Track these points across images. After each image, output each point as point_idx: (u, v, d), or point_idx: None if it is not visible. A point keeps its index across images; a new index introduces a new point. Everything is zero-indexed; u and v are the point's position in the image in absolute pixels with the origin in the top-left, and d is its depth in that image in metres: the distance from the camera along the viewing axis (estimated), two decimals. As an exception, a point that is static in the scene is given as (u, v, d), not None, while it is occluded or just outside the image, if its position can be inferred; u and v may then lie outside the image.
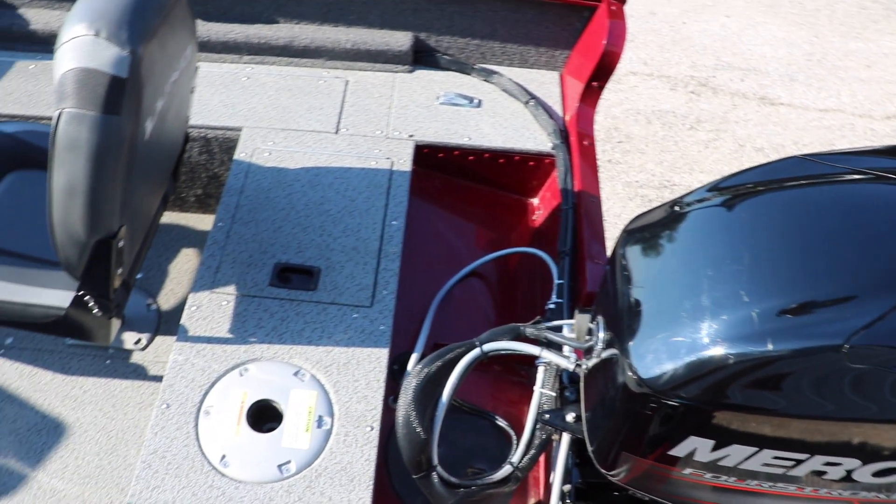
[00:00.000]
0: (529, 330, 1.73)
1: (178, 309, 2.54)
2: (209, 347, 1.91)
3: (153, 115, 1.66)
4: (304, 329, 1.94)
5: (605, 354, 1.41)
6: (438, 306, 2.22)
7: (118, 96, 1.46)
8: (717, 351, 1.20)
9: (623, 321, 1.34)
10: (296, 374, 1.87)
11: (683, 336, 1.25)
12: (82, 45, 1.44)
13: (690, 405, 1.22)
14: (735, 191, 1.50)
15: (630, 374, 1.26)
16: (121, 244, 1.70)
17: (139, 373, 2.39)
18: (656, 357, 1.26)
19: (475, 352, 1.71)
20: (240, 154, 2.32)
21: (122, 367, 2.41)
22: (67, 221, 1.59)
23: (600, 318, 1.46)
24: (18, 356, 2.45)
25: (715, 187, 1.53)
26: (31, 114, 2.49)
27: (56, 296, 1.88)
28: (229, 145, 2.44)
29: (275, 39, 2.57)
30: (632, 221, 1.51)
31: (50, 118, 2.44)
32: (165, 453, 1.75)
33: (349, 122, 2.43)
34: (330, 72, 2.60)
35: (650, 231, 1.46)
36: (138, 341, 2.45)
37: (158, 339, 2.48)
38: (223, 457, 1.75)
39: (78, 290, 1.81)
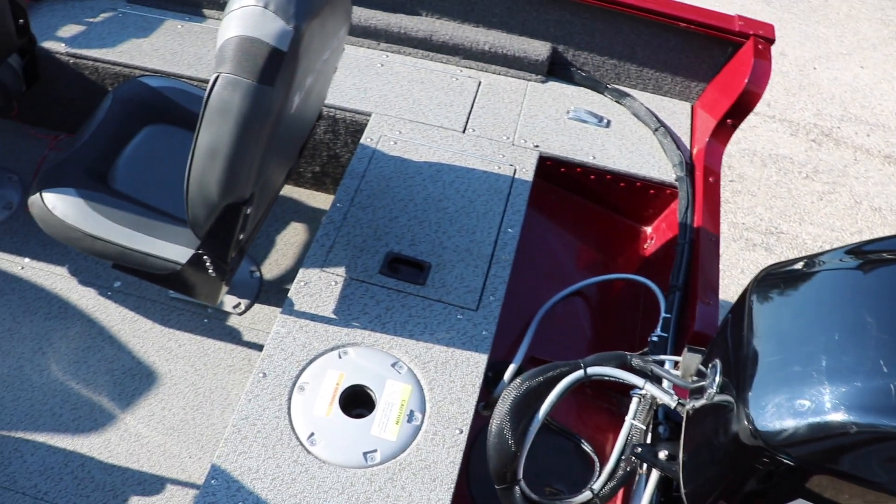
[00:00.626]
0: (636, 360, 1.70)
1: (280, 279, 2.58)
2: (312, 325, 1.93)
3: (302, 90, 1.69)
4: (407, 322, 1.94)
5: (717, 399, 1.38)
6: (540, 320, 2.20)
7: (275, 68, 1.48)
8: (844, 417, 1.16)
9: (745, 370, 1.31)
10: (393, 365, 1.87)
11: (809, 396, 1.21)
12: (250, 15, 1.47)
13: (801, 465, 1.19)
14: (876, 256, 1.45)
15: (746, 424, 1.22)
16: (248, 211, 1.73)
17: (233, 336, 2.44)
18: (777, 412, 1.22)
19: (578, 373, 1.70)
20: (366, 139, 2.34)
21: (218, 328, 2.46)
22: (204, 181, 1.63)
23: (717, 362, 1.43)
24: (123, 301, 2.52)
25: (855, 250, 1.48)
26: (173, 71, 2.55)
27: (175, 251, 1.93)
28: (356, 128, 2.47)
29: (414, 31, 2.58)
30: (765, 270, 1.47)
31: (190, 77, 2.51)
32: (256, 421, 1.78)
33: (477, 124, 2.43)
34: (464, 70, 2.60)
35: (784, 284, 1.42)
36: (237, 305, 2.50)
37: (256, 306, 2.52)
38: (311, 434, 1.76)
39: (198, 249, 1.86)
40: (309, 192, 2.83)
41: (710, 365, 1.46)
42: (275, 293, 2.54)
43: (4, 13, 2.33)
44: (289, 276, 2.59)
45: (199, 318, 2.48)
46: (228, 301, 2.50)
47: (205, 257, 1.85)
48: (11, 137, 3.04)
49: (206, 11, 2.78)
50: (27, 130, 3.04)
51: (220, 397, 2.32)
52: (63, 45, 2.67)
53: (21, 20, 2.41)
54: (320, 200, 2.81)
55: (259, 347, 2.41)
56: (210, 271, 1.88)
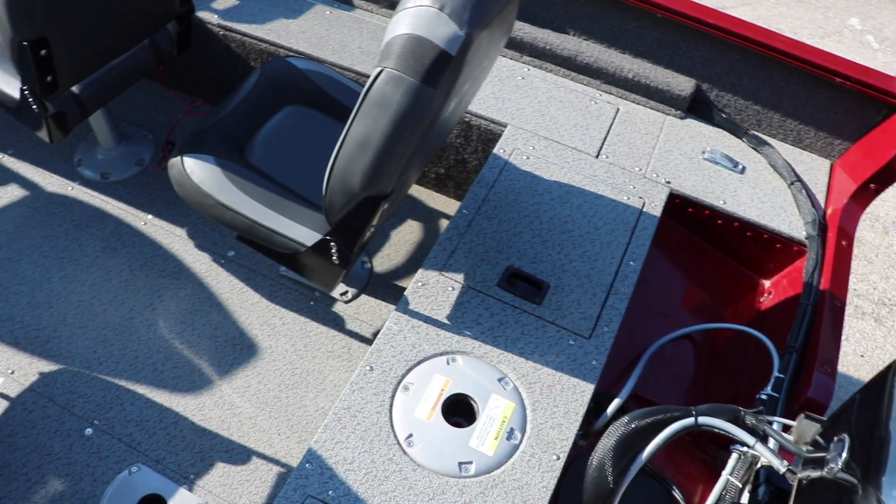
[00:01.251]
0: (749, 418, 1.66)
1: (389, 274, 2.60)
2: (424, 326, 1.93)
3: (458, 95, 1.69)
4: (519, 339, 1.93)
5: (839, 476, 1.33)
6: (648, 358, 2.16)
7: (440, 71, 1.49)
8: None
9: (881, 453, 1.25)
10: (500, 380, 1.86)
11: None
12: (424, 15, 1.47)
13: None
14: None
15: None
16: (385, 206, 1.74)
17: (337, 323, 2.46)
18: (912, 502, 1.17)
19: (689, 421, 1.66)
20: (499, 149, 2.33)
21: (322, 312, 2.49)
22: (349, 170, 1.64)
23: (845, 438, 1.38)
24: (235, 270, 2.57)
25: None
26: (317, 55, 2.59)
27: (302, 232, 1.95)
28: (488, 137, 2.47)
29: (560, 49, 2.57)
30: None
31: (332, 63, 2.54)
32: (357, 413, 1.78)
33: (611, 151, 2.40)
34: (603, 95, 2.58)
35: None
36: (345, 293, 2.52)
37: (363, 297, 2.54)
38: (410, 436, 1.76)
39: (326, 235, 1.88)
40: (429, 192, 2.84)
41: (835, 438, 1.41)
42: (382, 287, 2.56)
43: None
44: (398, 272, 2.60)
45: (306, 300, 2.51)
46: (337, 288, 2.53)
47: (332, 244, 1.87)
48: (152, 98, 3.13)
49: (356, 1, 2.82)
50: (167, 92, 3.14)
51: (315, 381, 2.34)
52: (216, 16, 2.74)
53: None
54: (439, 202, 2.82)
55: (360, 337, 2.43)
56: (334, 258, 1.90)
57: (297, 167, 2.13)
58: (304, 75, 2.30)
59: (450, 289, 2.01)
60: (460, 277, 2.03)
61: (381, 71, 1.52)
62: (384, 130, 1.55)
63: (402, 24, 1.50)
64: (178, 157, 2.07)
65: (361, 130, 1.58)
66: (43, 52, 2.05)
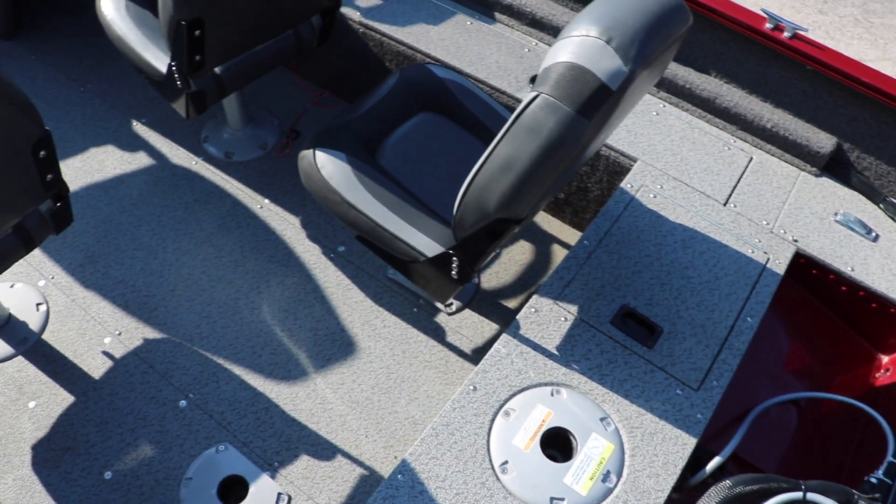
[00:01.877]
0: (863, 503, 1.58)
1: (495, 292, 2.57)
2: (532, 354, 1.90)
3: (607, 128, 1.67)
4: (626, 381, 1.89)
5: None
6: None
7: (598, 104, 1.46)
8: None
9: None
10: (602, 419, 1.82)
11: None
12: (590, 46, 1.45)
13: None
14: None
15: None
16: (516, 230, 1.72)
17: (438, 333, 2.45)
18: None
19: (796, 495, 1.59)
20: (626, 184, 2.29)
21: (424, 320, 2.48)
22: (488, 190, 1.63)
23: None
24: (343, 266, 2.58)
25: None
26: (453, 64, 2.59)
27: (424, 242, 1.95)
28: (616, 169, 2.43)
29: (699, 89, 2.52)
30: None
31: (467, 75, 2.54)
32: (455, 431, 1.77)
33: (740, 200, 2.34)
34: (738, 141, 2.52)
35: None
36: (449, 305, 2.51)
37: (466, 311, 2.52)
38: (505, 462, 1.74)
39: (449, 249, 1.87)
40: (545, 214, 2.82)
41: None
42: (487, 303, 2.54)
43: None
44: (505, 291, 2.58)
45: (410, 306, 2.51)
46: (441, 298, 2.52)
47: (454, 259, 1.86)
48: (282, 84, 3.18)
49: (498, 15, 2.81)
50: (298, 81, 3.18)
51: (409, 388, 2.33)
52: (358, 13, 2.76)
53: None
54: (553, 226, 2.79)
55: (459, 351, 2.41)
56: (453, 273, 1.89)
57: (426, 175, 2.13)
58: (442, 83, 2.30)
59: (562, 319, 1.98)
60: (574, 309, 2.00)
61: (536, 96, 1.50)
62: (531, 156, 1.53)
63: (565, 51, 1.48)
64: (311, 150, 2.08)
65: (507, 152, 1.56)
66: (197, 32, 2.09)
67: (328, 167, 2.04)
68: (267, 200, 2.77)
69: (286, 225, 2.69)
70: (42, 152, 1.81)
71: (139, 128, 3.02)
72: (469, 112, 2.27)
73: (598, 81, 1.44)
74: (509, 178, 1.58)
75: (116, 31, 2.45)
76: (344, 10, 2.77)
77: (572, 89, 1.46)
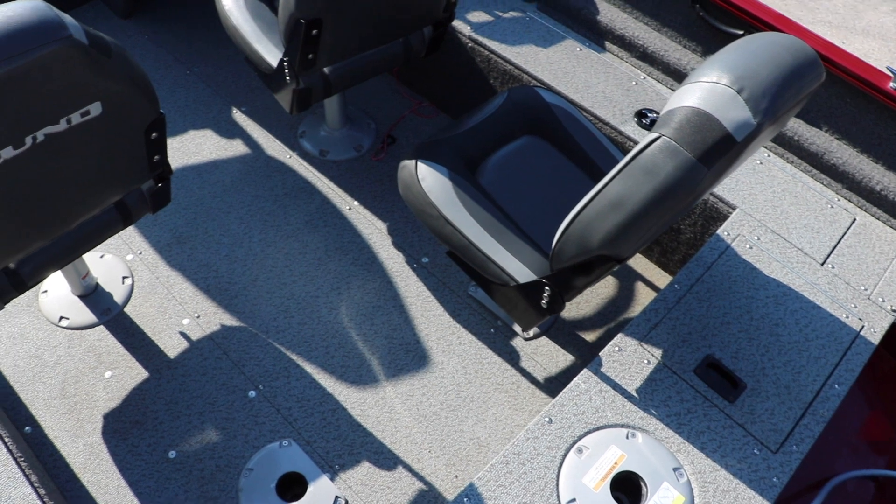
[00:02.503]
0: None
1: (573, 322, 2.55)
2: (611, 393, 1.88)
3: (722, 177, 1.63)
4: (703, 433, 1.85)
5: None
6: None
7: (720, 154, 1.43)
8: None
9: None
10: (675, 469, 1.79)
11: None
12: (719, 94, 1.42)
13: None
14: None
15: None
16: (616, 268, 1.70)
17: (512, 357, 2.43)
18: None
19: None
20: (723, 231, 2.25)
21: (500, 342, 2.46)
22: (593, 226, 1.61)
23: None
24: (425, 278, 2.58)
25: None
26: (559, 89, 2.57)
27: (517, 267, 1.93)
28: (713, 215, 2.38)
29: (807, 143, 2.46)
30: None
31: (573, 102, 2.52)
32: (527, 462, 1.75)
33: (839, 262, 2.27)
34: (842, 200, 2.45)
35: None
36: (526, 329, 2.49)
37: (543, 338, 2.50)
38: (572, 500, 1.71)
39: (543, 278, 1.85)
40: None
41: None
42: (564, 333, 2.51)
43: None
44: (584, 323, 2.55)
45: (487, 326, 2.49)
46: (519, 322, 2.50)
47: (546, 288, 1.84)
48: (382, 88, 3.20)
49: (608, 44, 2.79)
50: (398, 87, 3.20)
51: (477, 409, 2.32)
52: (469, 28, 2.77)
53: None
54: (640, 263, 2.75)
55: (531, 378, 2.39)
56: (543, 302, 1.87)
57: (524, 200, 2.12)
58: (549, 108, 2.29)
59: (645, 361, 1.95)
60: (658, 353, 1.97)
61: (657, 138, 1.48)
62: (644, 197, 1.50)
63: (693, 96, 1.45)
64: (413, 161, 2.09)
65: (619, 191, 1.54)
66: (314, 31, 2.11)
67: (429, 180, 2.04)
68: (356, 202, 2.78)
69: (372, 229, 2.70)
70: (154, 133, 1.85)
71: (239, 116, 3.07)
72: (573, 140, 2.25)
73: (724, 131, 1.41)
74: (618, 216, 1.55)
75: (233, 21, 2.49)
76: (455, 22, 2.78)
77: (696, 136, 1.43)
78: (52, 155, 1.64)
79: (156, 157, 1.94)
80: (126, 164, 1.88)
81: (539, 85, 2.58)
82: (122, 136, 1.77)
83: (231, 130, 3.01)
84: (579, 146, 2.24)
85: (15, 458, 1.71)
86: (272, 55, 2.39)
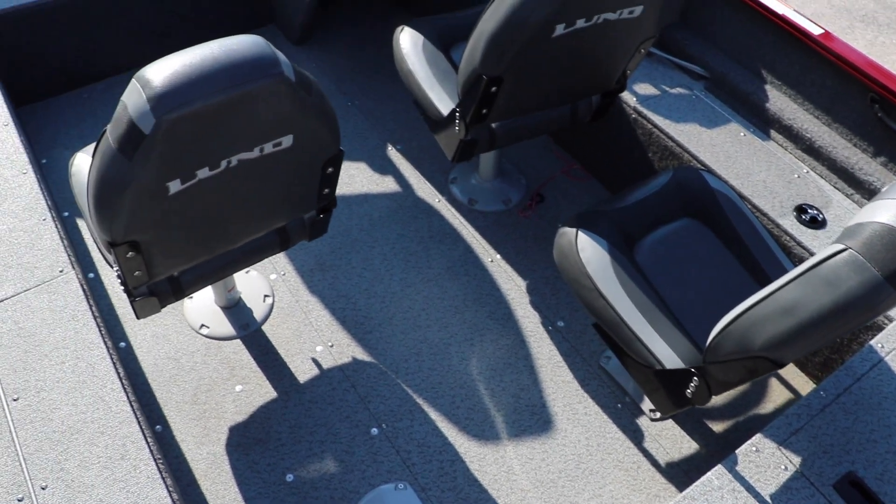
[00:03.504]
0: None
1: (705, 412, 2.49)
2: (745, 495, 1.82)
3: None
4: None
5: None
6: None
7: None
8: None
9: None
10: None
11: None
12: None
13: None
14: None
15: None
16: (773, 372, 1.66)
17: (636, 436, 2.39)
18: None
19: None
20: (877, 343, 2.17)
21: (626, 419, 2.43)
22: (758, 328, 1.57)
23: None
24: (558, 342, 2.57)
25: None
26: (719, 172, 2.54)
27: (666, 353, 1.91)
28: (867, 325, 2.30)
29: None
30: None
31: (731, 186, 2.47)
32: None
33: None
34: None
35: None
36: (654, 410, 2.44)
37: (669, 422, 2.45)
38: None
39: (692, 368, 1.82)
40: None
41: None
42: (692, 420, 2.46)
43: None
44: (713, 412, 2.49)
45: (615, 400, 2.46)
46: (648, 403, 2.46)
47: (695, 379, 1.81)
48: (537, 145, 3.23)
49: (773, 133, 2.74)
50: (552, 146, 3.22)
51: (595, 483, 2.28)
52: (635, 99, 2.77)
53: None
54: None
55: (653, 460, 2.34)
56: (688, 392, 1.84)
57: (679, 285, 2.09)
58: (713, 193, 2.26)
59: (782, 467, 1.88)
60: (797, 460, 1.90)
61: (843, 249, 1.44)
62: (820, 309, 1.46)
63: (887, 213, 1.41)
64: (574, 230, 2.09)
65: (793, 297, 1.50)
66: (493, 88, 2.15)
67: (588, 251, 2.04)
68: (498, 256, 2.80)
69: (512, 285, 2.71)
70: (330, 168, 1.91)
71: (393, 152, 3.14)
72: (734, 230, 2.22)
73: None
74: (788, 322, 1.52)
75: (408, 65, 2.56)
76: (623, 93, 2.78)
77: (886, 254, 1.39)
78: (237, 179, 1.72)
79: (326, 189, 2.01)
80: (299, 194, 1.95)
81: (699, 166, 2.55)
82: (302, 168, 1.83)
83: (384, 166, 3.08)
84: (740, 237, 2.21)
85: (155, 460, 1.77)
86: (443, 103, 2.44)
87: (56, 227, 2.21)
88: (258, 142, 1.63)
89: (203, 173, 1.61)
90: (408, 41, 2.62)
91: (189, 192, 1.65)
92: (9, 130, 2.47)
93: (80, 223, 2.87)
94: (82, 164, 2.19)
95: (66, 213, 2.90)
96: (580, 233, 2.08)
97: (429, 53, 2.58)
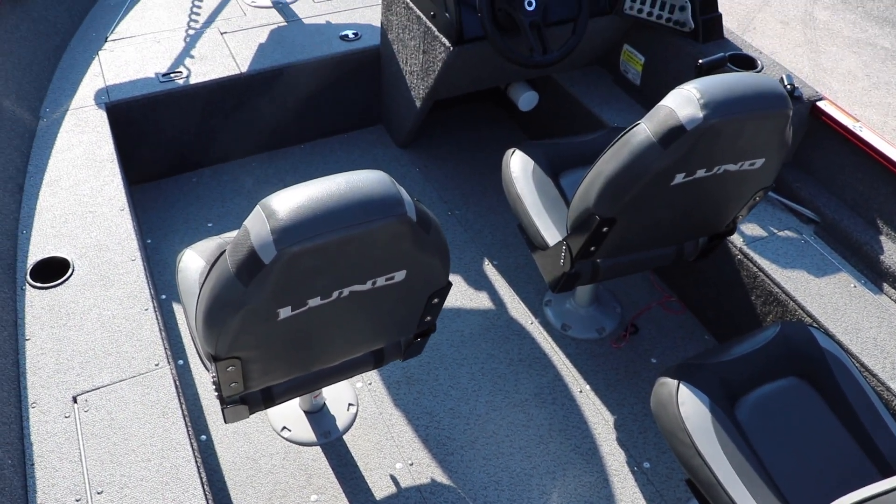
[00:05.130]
0: None
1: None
2: None
3: None
4: None
5: None
6: None
7: None
8: None
9: None
10: None
11: None
12: None
13: None
14: None
15: None
16: None
17: None
18: None
19: None
20: None
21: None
22: None
23: None
24: (643, 485, 2.48)
25: None
26: (826, 325, 2.45)
27: None
28: None
29: None
30: None
31: (839, 341, 2.38)
32: None
33: None
34: None
35: None
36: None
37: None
38: None
39: None
40: None
41: None
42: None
43: None
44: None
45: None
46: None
47: None
48: (636, 275, 3.18)
49: (887, 287, 2.64)
50: (650, 276, 3.17)
51: None
52: (741, 239, 2.71)
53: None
54: None
55: None
56: None
57: (781, 450, 2.00)
58: (822, 354, 2.17)
59: None
60: None
61: None
62: None
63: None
64: (675, 381, 2.03)
65: None
66: (605, 229, 2.13)
67: (688, 405, 1.97)
68: (588, 386, 2.74)
69: (599, 419, 2.64)
70: (436, 299, 1.90)
71: (489, 268, 3.13)
72: (841, 393, 2.12)
73: None
74: None
75: (517, 189, 2.57)
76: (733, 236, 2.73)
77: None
78: (345, 307, 1.72)
79: (428, 318, 2.00)
80: (401, 322, 1.94)
81: (805, 316, 2.47)
82: (409, 299, 1.83)
83: (479, 281, 3.07)
84: (848, 403, 2.11)
85: None
86: (550, 233, 2.43)
87: (156, 317, 2.25)
88: (372, 276, 1.63)
89: (314, 302, 1.62)
90: (518, 165, 2.63)
91: (297, 318, 1.66)
92: (124, 216, 2.55)
93: (177, 308, 2.92)
94: (190, 262, 2.23)
95: (164, 296, 2.96)
96: (681, 385, 2.01)
97: (538, 179, 2.58)
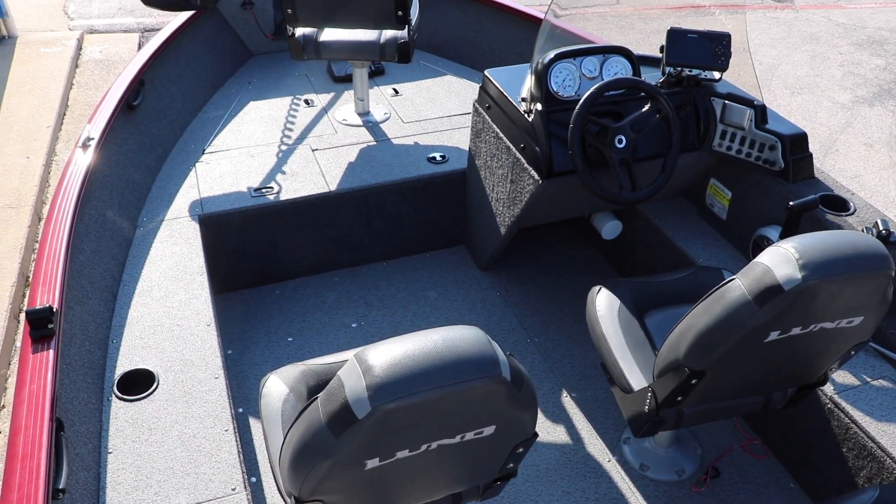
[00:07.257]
0: None
1: None
2: None
3: None
4: None
5: None
6: None
7: None
8: None
9: None
10: None
11: None
12: None
13: None
14: None
15: None
16: None
17: None
18: None
19: None
20: None
21: None
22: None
23: None
24: None
25: None
26: None
27: None
28: None
29: None
30: None
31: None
32: None
33: None
34: None
35: None
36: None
37: None
38: None
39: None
40: None
41: None
42: None
43: None
44: None
45: None
46: None
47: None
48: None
49: None
50: (735, 419, 3.08)
51: None
52: (831, 387, 2.63)
53: None
54: None
55: None
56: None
57: None
58: None
59: None
60: None
61: None
62: None
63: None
64: None
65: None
66: (693, 381, 2.09)
67: None
68: None
69: None
70: (520, 449, 1.87)
71: (567, 400, 3.09)
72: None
73: None
74: None
75: (602, 328, 2.54)
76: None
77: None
78: (432, 459, 1.70)
79: (510, 465, 1.97)
80: (483, 469, 1.92)
81: None
82: (495, 449, 1.81)
83: (557, 414, 3.02)
84: None
85: None
86: (634, 377, 2.39)
87: (235, 439, 2.26)
88: (461, 431, 1.62)
89: (402, 454, 1.61)
90: (603, 304, 2.61)
91: (384, 468, 1.65)
92: (210, 331, 2.59)
93: (253, 424, 2.92)
94: (273, 387, 2.25)
95: (241, 409, 2.98)
96: None
97: (623, 319, 2.56)
